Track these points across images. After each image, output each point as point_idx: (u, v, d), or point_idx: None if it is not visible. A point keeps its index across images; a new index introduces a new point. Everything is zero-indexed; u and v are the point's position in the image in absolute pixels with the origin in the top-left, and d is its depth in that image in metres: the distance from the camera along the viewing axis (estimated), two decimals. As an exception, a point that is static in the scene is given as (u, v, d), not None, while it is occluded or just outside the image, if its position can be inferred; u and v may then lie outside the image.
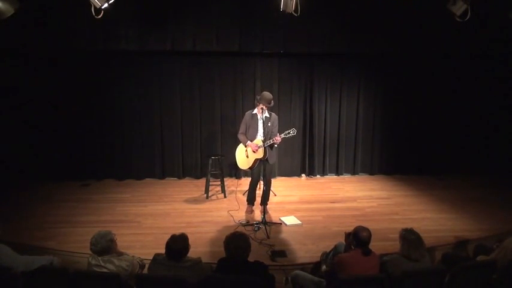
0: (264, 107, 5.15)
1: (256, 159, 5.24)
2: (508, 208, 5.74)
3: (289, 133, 5.07)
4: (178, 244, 2.98)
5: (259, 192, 5.62)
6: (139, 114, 7.13)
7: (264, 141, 5.07)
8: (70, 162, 7.00)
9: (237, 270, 2.92)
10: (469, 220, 5.35)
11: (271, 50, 6.75)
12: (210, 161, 6.28)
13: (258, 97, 5.24)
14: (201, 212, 5.65)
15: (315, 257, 4.09)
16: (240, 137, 5.38)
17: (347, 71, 7.45)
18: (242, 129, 5.39)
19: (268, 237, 4.74)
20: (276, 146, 5.28)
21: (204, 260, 3.34)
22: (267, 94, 5.21)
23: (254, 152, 5.21)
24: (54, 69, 6.73)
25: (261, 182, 5.50)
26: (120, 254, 3.24)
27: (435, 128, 7.55)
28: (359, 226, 3.16)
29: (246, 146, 5.31)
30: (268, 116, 5.23)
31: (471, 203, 6.00)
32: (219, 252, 3.69)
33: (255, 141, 5.25)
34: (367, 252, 3.05)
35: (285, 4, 4.66)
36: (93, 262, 3.05)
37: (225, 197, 6.28)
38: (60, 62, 6.71)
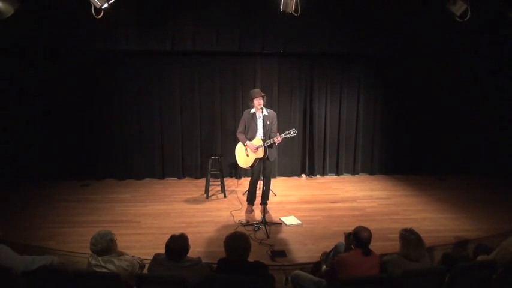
0: (261, 102, 5.16)
1: (256, 158, 5.25)
2: (508, 208, 5.74)
3: (289, 133, 5.08)
4: (177, 244, 2.98)
5: (259, 192, 5.62)
6: (139, 114, 7.13)
7: (263, 141, 5.07)
8: (70, 162, 7.00)
9: (237, 270, 2.92)
10: (469, 220, 5.35)
11: (271, 50, 6.75)
12: (210, 161, 6.28)
13: (249, 99, 5.28)
14: (201, 212, 5.65)
15: (315, 257, 4.09)
16: (239, 136, 5.38)
17: (347, 71, 7.46)
18: (241, 128, 5.39)
19: (268, 237, 4.74)
20: (276, 144, 5.29)
21: (204, 260, 3.35)
22: (253, 90, 5.35)
23: (253, 152, 5.22)
24: (54, 69, 6.73)
25: (261, 182, 5.51)
26: (120, 254, 3.24)
27: (435, 128, 7.55)
28: (359, 226, 3.16)
29: (245, 146, 5.31)
30: (266, 114, 5.23)
31: (471, 203, 6.00)
32: (219, 252, 3.69)
33: (254, 141, 5.25)
34: (367, 252, 3.05)
35: (285, 4, 4.66)
36: (93, 262, 3.05)
37: (225, 197, 6.28)
38: (60, 62, 6.71)
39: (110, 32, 6.16)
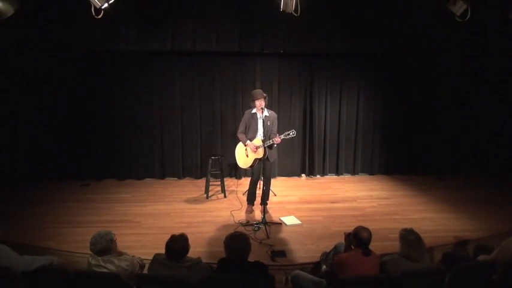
0: (262, 103, 5.15)
1: (256, 159, 5.24)
2: (508, 208, 5.74)
3: (289, 134, 5.08)
4: (177, 244, 2.98)
5: (259, 192, 5.62)
6: (139, 114, 7.13)
7: (263, 141, 5.07)
8: (70, 162, 7.00)
9: (237, 270, 2.92)
10: (469, 220, 5.34)
11: (271, 50, 6.75)
12: (210, 161, 6.27)
13: (251, 100, 5.28)
14: (201, 212, 5.65)
15: (315, 257, 4.09)
16: (239, 136, 5.38)
17: (347, 71, 7.45)
18: (241, 128, 5.39)
19: (268, 237, 4.74)
20: (275, 145, 5.29)
21: (204, 260, 3.35)
22: (255, 90, 5.34)
23: (253, 152, 5.22)
24: (54, 69, 6.73)
25: (261, 182, 5.51)
26: (120, 254, 3.24)
27: (435, 128, 7.55)
28: (359, 226, 3.16)
29: (245, 146, 5.31)
30: (268, 114, 5.24)
31: (471, 203, 6.00)
32: (219, 252, 3.69)
33: (254, 141, 5.25)
34: (367, 252, 3.05)
35: (285, 4, 4.67)
36: (93, 262, 3.05)
37: (225, 197, 6.28)
38: (60, 62, 6.71)
39: (110, 32, 6.16)
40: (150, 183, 7.12)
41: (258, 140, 5.23)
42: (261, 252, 4.32)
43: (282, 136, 5.08)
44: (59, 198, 6.12)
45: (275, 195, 6.32)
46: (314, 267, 3.91)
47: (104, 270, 3.00)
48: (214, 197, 6.30)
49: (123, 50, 6.43)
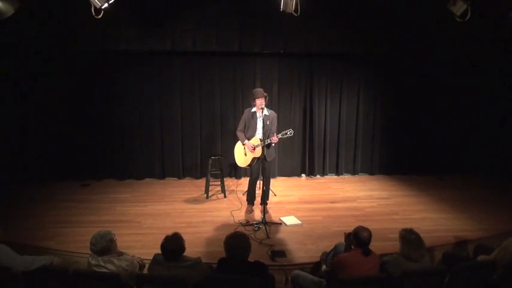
0: (263, 102, 5.15)
1: (254, 158, 5.25)
2: (508, 208, 5.74)
3: (286, 133, 5.08)
4: (172, 244, 2.98)
5: (258, 192, 5.62)
6: (139, 114, 7.13)
7: (262, 140, 5.07)
8: (70, 162, 7.00)
9: (237, 270, 2.92)
10: (469, 220, 5.34)
11: (271, 50, 6.75)
12: (210, 161, 6.28)
13: (252, 98, 5.27)
14: (201, 212, 5.65)
15: (315, 257, 4.09)
16: (238, 134, 5.39)
17: (347, 71, 7.45)
18: (241, 126, 5.40)
19: (268, 237, 4.74)
20: (273, 144, 5.29)
21: (204, 260, 3.35)
22: (256, 89, 5.34)
23: (251, 151, 5.22)
24: (54, 69, 6.73)
25: (260, 182, 5.51)
26: (120, 254, 3.24)
27: (435, 128, 7.55)
28: (359, 226, 3.17)
29: (243, 144, 5.32)
30: (267, 114, 5.24)
31: (471, 203, 6.00)
32: (219, 252, 3.68)
33: (252, 141, 5.25)
34: (367, 252, 3.05)
35: (285, 4, 4.67)
36: (93, 262, 3.05)
37: (225, 197, 6.28)
38: (60, 62, 6.70)
39: (110, 32, 6.16)
40: (150, 183, 7.12)
41: (256, 139, 5.23)
42: (261, 252, 4.32)
43: (279, 135, 5.08)
44: (59, 198, 6.12)
45: (275, 195, 6.32)
46: (314, 267, 3.91)
47: (104, 270, 3.00)
48: (214, 197, 6.30)
49: (123, 50, 6.42)
